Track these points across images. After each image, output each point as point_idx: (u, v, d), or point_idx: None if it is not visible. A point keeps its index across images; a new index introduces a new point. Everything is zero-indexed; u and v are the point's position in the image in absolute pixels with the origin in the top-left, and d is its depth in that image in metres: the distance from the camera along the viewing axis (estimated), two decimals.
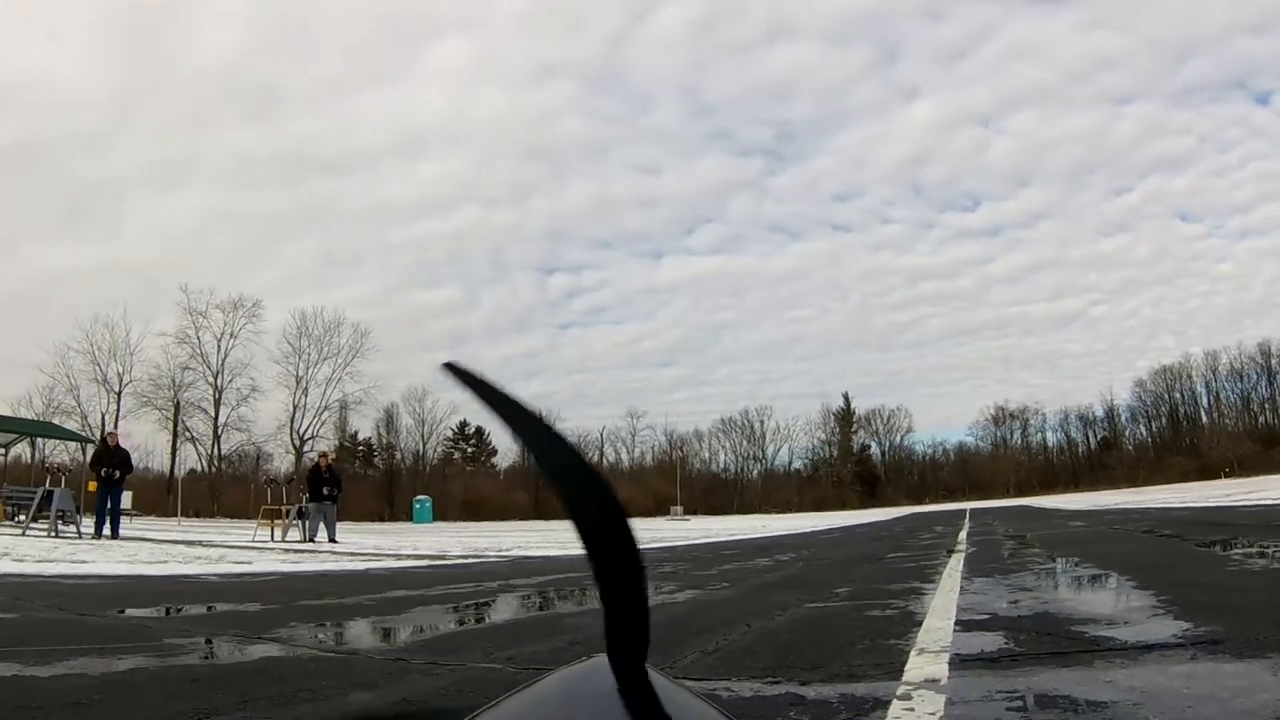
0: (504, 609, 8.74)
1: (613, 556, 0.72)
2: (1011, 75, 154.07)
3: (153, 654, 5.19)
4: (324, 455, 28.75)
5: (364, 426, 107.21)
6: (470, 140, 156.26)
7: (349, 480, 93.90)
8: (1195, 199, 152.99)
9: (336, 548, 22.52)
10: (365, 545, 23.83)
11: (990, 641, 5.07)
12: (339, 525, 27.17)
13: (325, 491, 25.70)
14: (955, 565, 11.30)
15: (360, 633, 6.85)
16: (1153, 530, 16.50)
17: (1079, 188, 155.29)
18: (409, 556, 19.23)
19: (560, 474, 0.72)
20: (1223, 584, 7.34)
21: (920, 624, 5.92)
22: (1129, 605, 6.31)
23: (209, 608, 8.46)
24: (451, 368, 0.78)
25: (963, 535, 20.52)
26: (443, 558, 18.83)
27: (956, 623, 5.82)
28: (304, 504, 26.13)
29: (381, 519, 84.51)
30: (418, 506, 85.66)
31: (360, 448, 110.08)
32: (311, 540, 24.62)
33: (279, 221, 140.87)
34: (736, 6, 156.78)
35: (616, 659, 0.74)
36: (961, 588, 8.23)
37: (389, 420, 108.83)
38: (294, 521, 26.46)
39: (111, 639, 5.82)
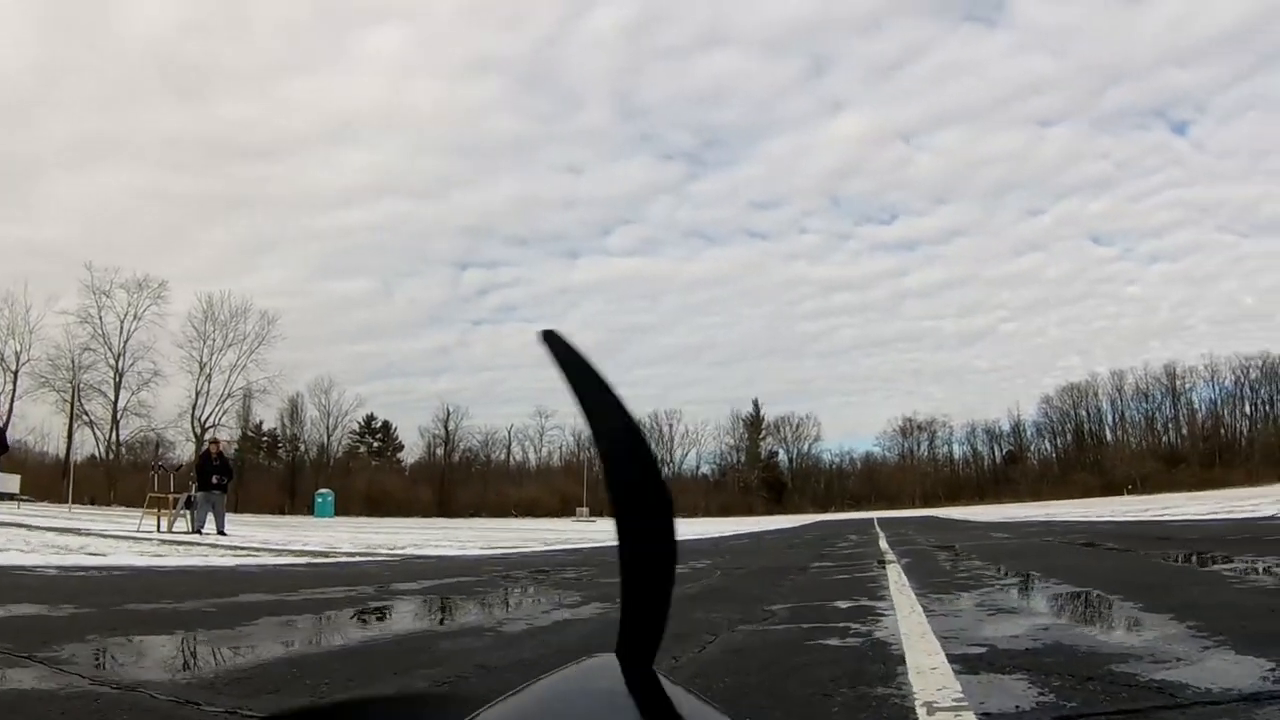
0: (367, 625, 7.23)
1: (648, 554, 0.71)
2: (940, 93, 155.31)
3: None
4: (215, 442, 27.25)
5: (268, 417, 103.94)
6: (398, 131, 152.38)
7: (251, 471, 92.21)
8: (1110, 222, 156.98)
9: (221, 540, 20.98)
10: (253, 538, 22.33)
11: (1019, 691, 3.67)
12: (229, 516, 25.73)
13: (215, 480, 23.96)
14: (897, 578, 9.98)
15: (166, 655, 5.28)
16: (1094, 544, 15.41)
17: (997, 207, 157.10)
18: (292, 553, 17.96)
19: (619, 461, 0.72)
20: (1245, 605, 6.05)
21: (903, 660, 4.52)
22: (1159, 635, 4.96)
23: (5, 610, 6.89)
24: (550, 336, 0.75)
25: (884, 544, 19.40)
26: (328, 555, 17.57)
27: (951, 659, 4.43)
28: (193, 493, 24.26)
29: (282, 511, 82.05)
30: (319, 500, 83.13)
31: (264, 438, 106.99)
32: (198, 531, 22.94)
33: (200, 204, 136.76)
34: (673, 11, 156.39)
35: (625, 657, 0.75)
36: (925, 608, 6.84)
37: (293, 411, 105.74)
38: (181, 511, 24.64)
39: None
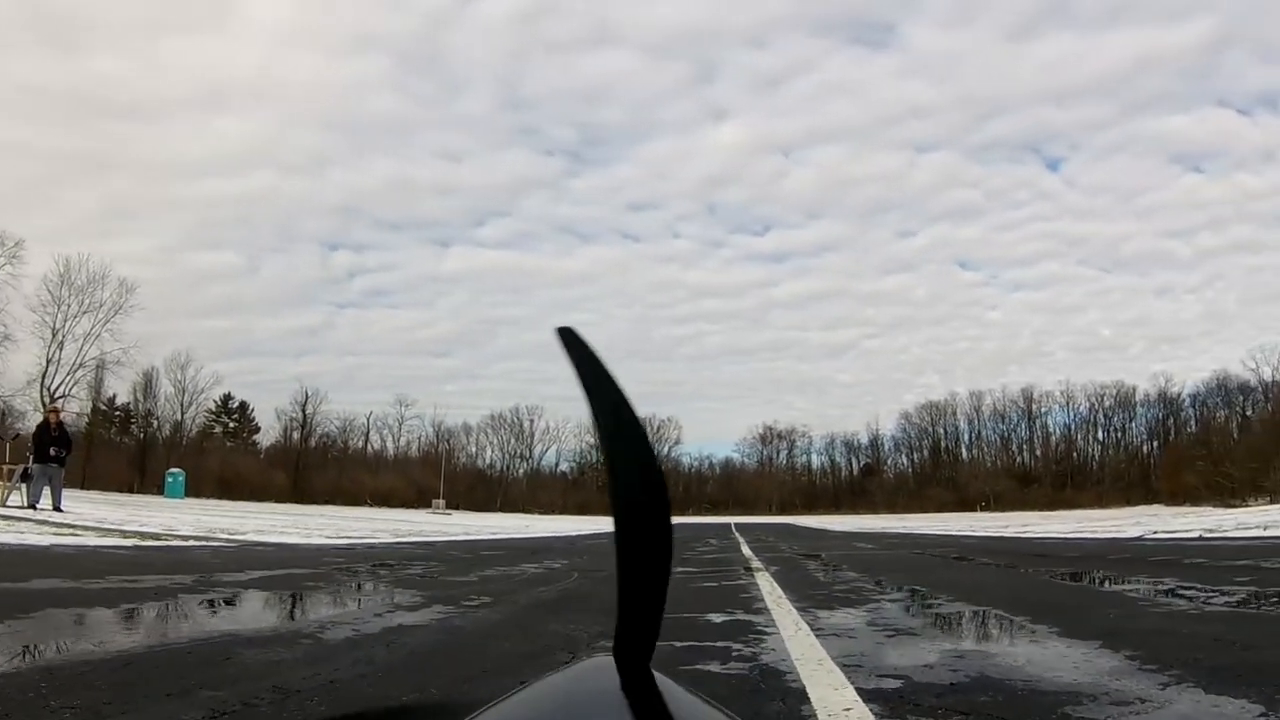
0: (165, 623, 6.15)
1: (645, 552, 0.71)
2: (823, 110, 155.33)
3: None
4: (54, 411, 25.72)
5: (121, 390, 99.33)
6: (276, 102, 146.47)
7: (101, 446, 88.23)
8: (978, 249, 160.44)
9: (54, 516, 19.69)
10: (88, 516, 20.99)
11: None
12: (69, 492, 24.22)
13: (52, 452, 22.27)
14: (771, 589, 9.21)
15: None
16: (966, 558, 14.90)
17: (869, 226, 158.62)
18: (122, 534, 16.79)
19: (621, 457, 0.72)
20: (1182, 633, 5.36)
21: (805, 696, 3.66)
22: (1100, 668, 4.19)
23: None
24: (565, 334, 0.76)
25: (747, 551, 18.81)
26: (160, 538, 16.52)
27: (864, 695, 3.59)
28: (29, 465, 22.54)
29: (131, 490, 78.48)
30: (170, 480, 79.31)
31: (117, 413, 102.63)
32: (33, 506, 21.37)
33: (63, 161, 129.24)
34: (565, 5, 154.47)
35: (622, 657, 0.74)
36: (810, 625, 6.02)
37: (148, 385, 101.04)
38: (17, 485, 22.97)
39: None
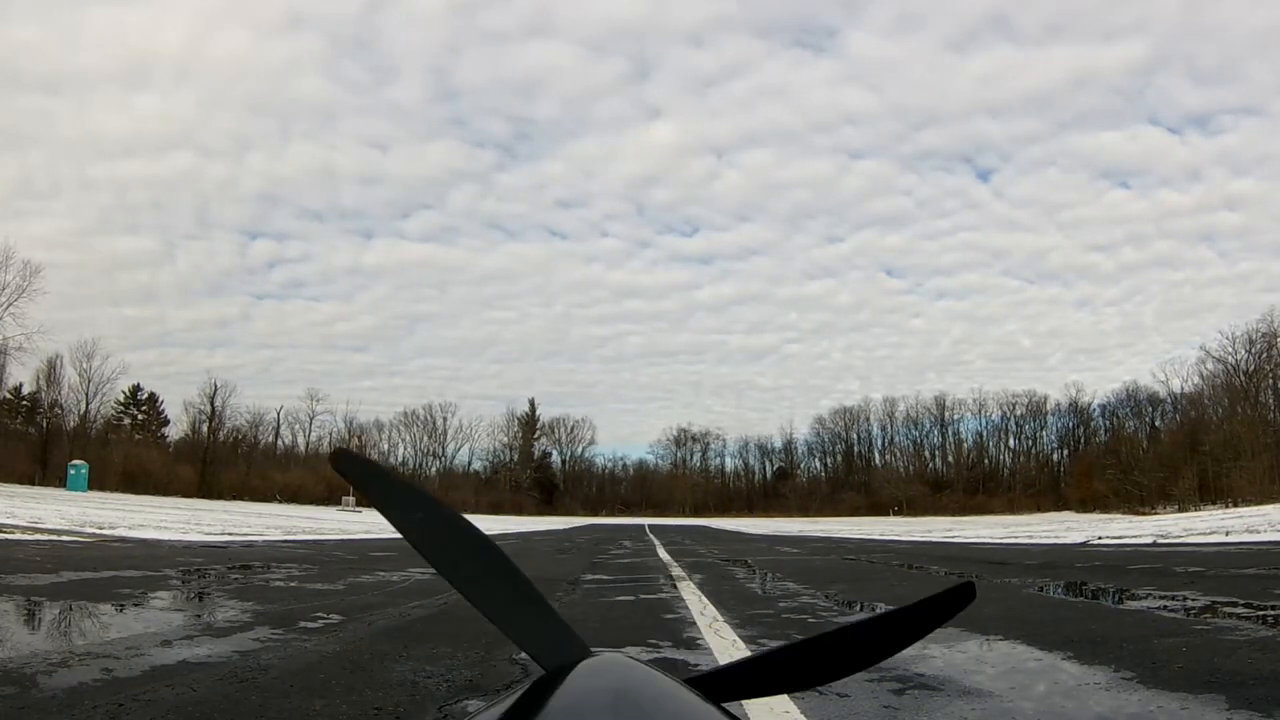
0: None
1: (483, 576, 0.77)
2: (758, 113, 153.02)
3: None
4: None
5: (26, 378, 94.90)
6: (199, 81, 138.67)
7: (2, 436, 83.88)
8: (904, 257, 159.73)
9: None
10: None
11: None
12: None
13: None
14: (701, 605, 7.55)
15: None
16: (913, 565, 13.38)
17: (796, 230, 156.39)
18: None
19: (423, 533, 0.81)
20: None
21: None
22: None
23: None
24: (342, 454, 0.79)
25: (664, 555, 17.25)
26: (6, 532, 15.14)
27: None
28: None
29: (32, 482, 74.94)
30: (71, 473, 76.36)
31: (24, 402, 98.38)
32: None
33: None
34: None
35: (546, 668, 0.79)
36: None
37: (51, 373, 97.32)
38: None
39: None
